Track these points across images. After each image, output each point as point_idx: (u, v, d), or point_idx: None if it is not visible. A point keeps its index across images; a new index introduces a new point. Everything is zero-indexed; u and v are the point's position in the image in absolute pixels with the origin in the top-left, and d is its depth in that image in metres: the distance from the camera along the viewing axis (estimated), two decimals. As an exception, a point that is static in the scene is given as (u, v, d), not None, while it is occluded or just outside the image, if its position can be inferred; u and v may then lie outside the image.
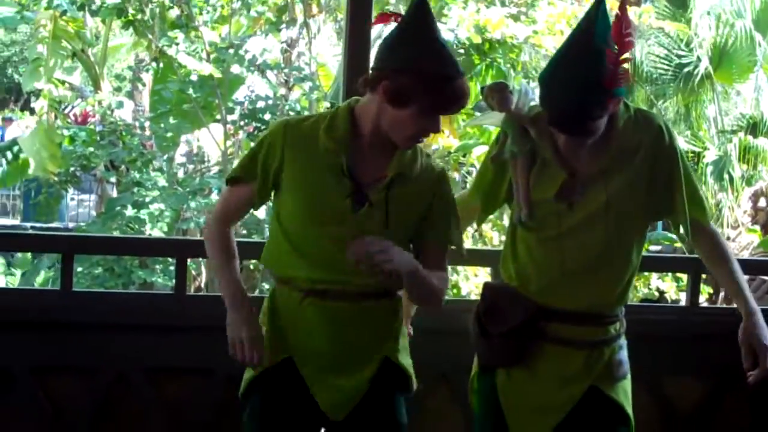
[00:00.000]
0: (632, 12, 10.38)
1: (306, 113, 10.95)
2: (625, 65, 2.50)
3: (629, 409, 2.79)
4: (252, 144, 2.79)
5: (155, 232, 9.83)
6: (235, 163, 2.76)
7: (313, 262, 2.63)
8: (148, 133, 11.35)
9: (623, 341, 2.82)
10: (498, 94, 2.64)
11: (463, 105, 2.57)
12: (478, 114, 12.60)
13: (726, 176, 11.97)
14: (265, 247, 2.79)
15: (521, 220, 2.73)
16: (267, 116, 10.30)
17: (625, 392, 2.80)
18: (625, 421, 2.78)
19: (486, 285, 2.91)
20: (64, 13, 11.28)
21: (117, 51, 15.46)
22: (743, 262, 3.29)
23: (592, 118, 2.52)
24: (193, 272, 10.66)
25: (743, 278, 3.04)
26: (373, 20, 3.21)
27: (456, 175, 11.51)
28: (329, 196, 2.61)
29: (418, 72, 2.49)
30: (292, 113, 10.45)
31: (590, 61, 2.47)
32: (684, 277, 6.75)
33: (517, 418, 2.80)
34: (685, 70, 12.49)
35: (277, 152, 2.62)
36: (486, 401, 2.86)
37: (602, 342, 2.76)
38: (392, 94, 2.51)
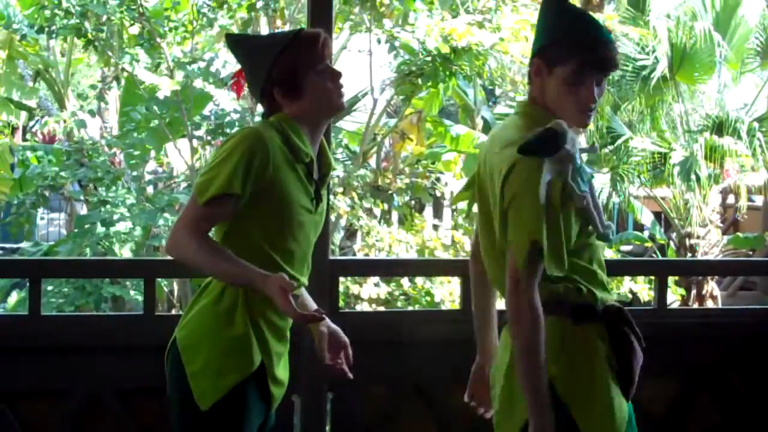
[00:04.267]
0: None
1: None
2: None
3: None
4: (212, 159, 2.69)
5: (125, 251, 9.78)
6: (205, 180, 2.62)
7: (289, 265, 2.70)
8: (115, 150, 11.31)
9: None
10: None
11: (328, 39, 2.76)
12: (446, 122, 12.68)
13: (693, 176, 12.06)
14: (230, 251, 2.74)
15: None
16: (234, 130, 10.26)
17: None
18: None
19: None
20: (23, 37, 11.26)
21: (81, 66, 15.38)
22: (715, 264, 3.31)
23: None
24: (165, 288, 10.62)
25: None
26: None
27: (425, 182, 11.54)
28: (303, 199, 2.70)
29: (280, 53, 2.68)
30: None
31: None
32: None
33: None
34: (644, 72, 12.58)
35: (262, 162, 2.60)
36: None
37: None
38: (286, 90, 2.70)
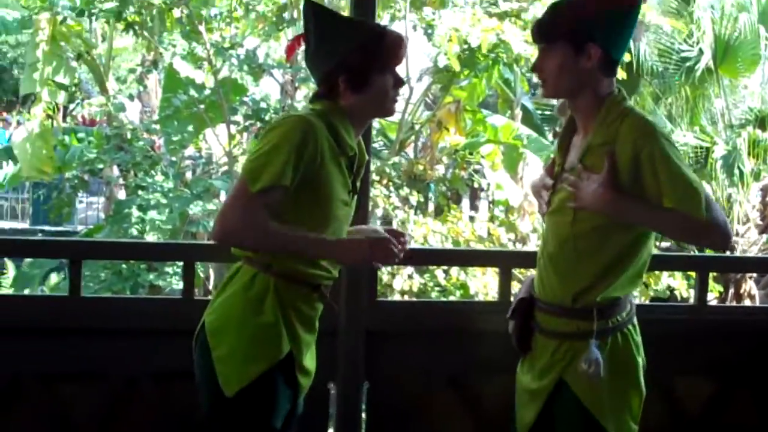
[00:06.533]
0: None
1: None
2: None
3: (596, 411, 2.70)
4: (261, 143, 2.65)
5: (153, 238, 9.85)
6: (257, 166, 2.57)
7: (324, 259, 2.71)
8: (154, 138, 11.39)
9: (600, 342, 2.72)
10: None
11: (407, 45, 2.79)
12: (485, 112, 12.60)
13: (736, 171, 11.92)
14: None
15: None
16: (269, 115, 10.34)
17: (593, 392, 2.70)
18: (591, 424, 2.70)
19: None
20: (64, 20, 11.33)
21: (124, 51, 15.47)
22: (756, 261, 3.27)
23: None
24: (201, 275, 10.67)
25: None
26: (285, 55, 3.35)
27: (463, 173, 11.50)
28: (342, 193, 2.70)
29: (358, 44, 2.66)
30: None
31: None
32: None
33: (519, 404, 2.89)
34: (687, 64, 12.45)
35: (312, 155, 2.59)
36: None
37: (570, 335, 2.74)
38: (352, 81, 2.66)
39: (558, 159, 2.82)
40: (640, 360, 2.78)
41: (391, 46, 2.70)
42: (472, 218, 11.29)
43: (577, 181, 2.66)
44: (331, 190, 2.65)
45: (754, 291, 12.43)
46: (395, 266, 8.37)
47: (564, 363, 2.74)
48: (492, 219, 10.85)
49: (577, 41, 2.65)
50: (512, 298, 3.00)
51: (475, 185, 12.01)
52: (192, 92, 10.64)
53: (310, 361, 2.77)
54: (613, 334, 2.74)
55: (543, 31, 2.73)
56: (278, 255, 2.63)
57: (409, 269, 9.17)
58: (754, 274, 12.30)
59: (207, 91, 10.81)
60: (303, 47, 2.79)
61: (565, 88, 2.73)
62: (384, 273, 8.93)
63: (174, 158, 11.47)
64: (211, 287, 10.85)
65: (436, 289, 9.34)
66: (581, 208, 2.64)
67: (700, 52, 12.43)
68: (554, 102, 9.74)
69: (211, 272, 10.87)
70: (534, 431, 2.83)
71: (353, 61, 2.65)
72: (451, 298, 9.15)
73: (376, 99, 2.71)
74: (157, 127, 11.73)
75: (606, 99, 2.68)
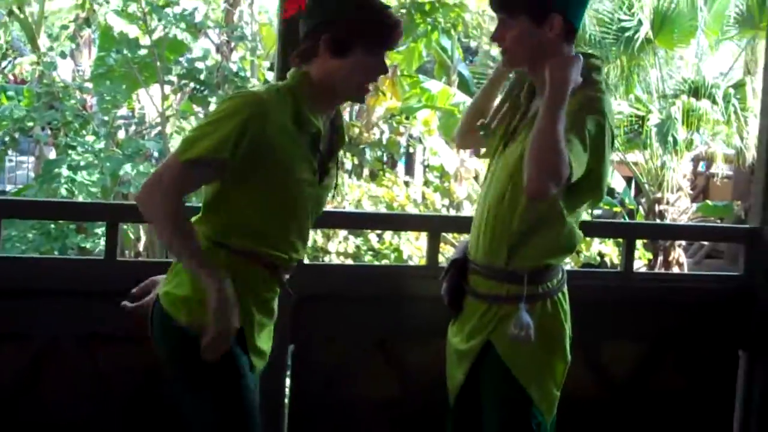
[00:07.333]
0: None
1: (248, 74, 10.86)
2: None
3: (519, 374, 2.71)
4: (207, 116, 2.57)
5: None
6: (194, 137, 2.49)
7: (281, 239, 2.63)
8: (86, 97, 11.19)
9: (529, 307, 2.73)
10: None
11: (401, 35, 2.66)
12: (421, 77, 12.57)
13: (670, 139, 12.05)
14: (217, 219, 2.61)
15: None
16: (204, 76, 10.25)
17: (518, 356, 2.72)
18: (514, 387, 2.72)
19: None
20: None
21: (58, 12, 15.14)
22: (683, 228, 3.30)
23: None
24: (132, 236, 10.55)
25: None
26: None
27: (401, 139, 11.47)
28: (304, 172, 2.59)
29: (354, 12, 2.55)
30: (234, 76, 10.40)
31: None
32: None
33: (450, 365, 2.91)
34: (626, 34, 12.52)
35: (257, 128, 2.47)
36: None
37: (500, 298, 2.75)
38: (334, 43, 2.54)
39: (509, 118, 2.81)
40: (567, 328, 2.80)
41: (387, 26, 2.59)
42: (407, 183, 11.28)
43: None
44: (286, 170, 2.55)
45: (683, 259, 12.63)
46: (330, 228, 8.35)
47: (492, 325, 2.75)
48: (427, 184, 10.87)
49: (539, 12, 2.63)
50: (445, 263, 3.00)
51: (411, 150, 12.00)
52: (126, 51, 10.45)
53: (265, 342, 2.68)
54: (543, 300, 2.75)
55: (504, 2, 2.70)
56: (236, 232, 2.56)
57: (344, 232, 9.16)
58: (683, 242, 12.49)
59: (142, 51, 10.62)
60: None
61: (529, 58, 2.71)
62: (318, 235, 8.91)
63: (106, 118, 11.27)
64: (141, 248, 10.73)
65: (370, 252, 9.34)
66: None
67: (639, 23, 12.49)
68: (490, 71, 9.74)
69: (142, 233, 10.74)
70: (463, 392, 2.85)
71: (345, 24, 2.54)
72: (384, 262, 9.16)
73: (351, 74, 2.58)
74: (90, 86, 11.52)
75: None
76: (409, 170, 14.14)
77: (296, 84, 2.58)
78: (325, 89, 2.60)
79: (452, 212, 10.22)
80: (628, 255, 3.95)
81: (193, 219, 2.62)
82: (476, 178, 11.02)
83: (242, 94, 2.58)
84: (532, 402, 2.72)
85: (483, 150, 2.97)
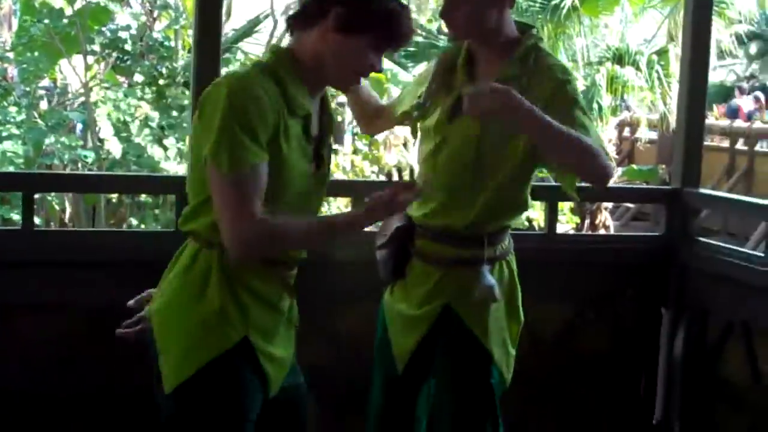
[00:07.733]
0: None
1: (171, 44, 10.71)
2: None
3: (481, 335, 2.74)
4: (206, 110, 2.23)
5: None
6: (226, 146, 2.17)
7: None
8: (6, 66, 10.98)
9: (492, 266, 2.77)
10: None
11: (410, 39, 2.42)
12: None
13: (595, 106, 12.19)
14: (208, 218, 2.28)
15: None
16: (129, 46, 10.08)
17: (480, 318, 2.74)
18: (475, 347, 2.74)
19: None
20: None
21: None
22: (610, 190, 3.33)
23: None
24: (57, 207, 10.38)
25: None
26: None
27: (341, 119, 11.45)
28: (301, 163, 2.34)
29: (380, 1, 2.31)
30: (158, 44, 10.27)
31: None
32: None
33: (394, 333, 2.88)
34: (553, 2, 12.59)
35: (271, 119, 2.22)
36: (378, 317, 2.95)
37: (460, 262, 2.75)
38: (347, 19, 2.28)
39: (444, 93, 2.78)
40: (519, 288, 2.85)
41: (399, 23, 2.33)
42: (335, 151, 11.25)
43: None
44: (284, 162, 2.27)
45: (609, 222, 12.80)
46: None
47: (451, 289, 2.75)
48: (355, 152, 10.84)
49: None
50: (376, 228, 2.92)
51: (340, 118, 11.95)
52: (48, 21, 10.24)
53: (280, 347, 2.40)
54: (499, 261, 2.79)
55: None
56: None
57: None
58: (609, 206, 12.65)
59: (65, 21, 10.41)
60: None
61: (478, 33, 2.69)
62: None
63: (28, 89, 11.06)
64: (67, 219, 10.56)
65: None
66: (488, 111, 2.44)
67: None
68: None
69: (68, 204, 10.56)
70: (415, 357, 2.84)
71: (363, 6, 2.29)
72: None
73: (349, 56, 2.30)
74: (11, 56, 11.28)
75: (522, 38, 2.69)
76: (337, 138, 14.11)
77: (285, 60, 2.33)
78: (314, 68, 2.33)
79: (382, 178, 10.21)
80: (551, 217, 3.98)
81: (181, 218, 2.37)
82: (405, 145, 11.01)
83: (221, 88, 2.22)
84: (492, 361, 2.74)
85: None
